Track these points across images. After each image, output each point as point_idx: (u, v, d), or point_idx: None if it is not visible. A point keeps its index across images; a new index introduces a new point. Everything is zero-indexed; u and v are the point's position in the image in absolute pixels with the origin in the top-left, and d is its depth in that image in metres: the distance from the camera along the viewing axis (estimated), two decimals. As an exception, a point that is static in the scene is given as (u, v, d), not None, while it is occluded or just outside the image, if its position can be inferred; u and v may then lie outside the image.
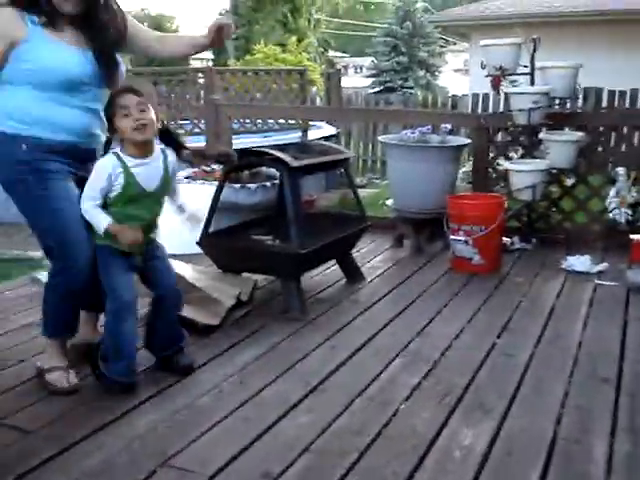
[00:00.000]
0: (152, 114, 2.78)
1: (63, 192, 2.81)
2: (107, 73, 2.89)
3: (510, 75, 5.08)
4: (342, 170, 4.54)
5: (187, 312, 3.53)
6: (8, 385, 2.99)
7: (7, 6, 2.74)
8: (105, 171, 2.75)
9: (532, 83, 5.13)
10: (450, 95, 14.77)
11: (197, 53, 3.26)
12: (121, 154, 2.78)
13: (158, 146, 2.90)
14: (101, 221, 2.77)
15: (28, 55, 2.72)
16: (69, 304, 2.97)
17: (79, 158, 2.88)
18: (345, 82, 13.74)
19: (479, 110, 11.71)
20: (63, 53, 2.77)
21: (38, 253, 6.61)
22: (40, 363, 3.05)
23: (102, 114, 2.90)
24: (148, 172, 2.83)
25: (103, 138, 2.93)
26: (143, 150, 2.81)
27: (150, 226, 2.95)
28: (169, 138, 2.96)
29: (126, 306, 2.86)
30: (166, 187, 2.93)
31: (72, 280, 2.87)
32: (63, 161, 2.83)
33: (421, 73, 24.31)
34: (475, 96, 11.83)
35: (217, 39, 2.98)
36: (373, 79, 25.41)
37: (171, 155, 2.94)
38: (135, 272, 2.96)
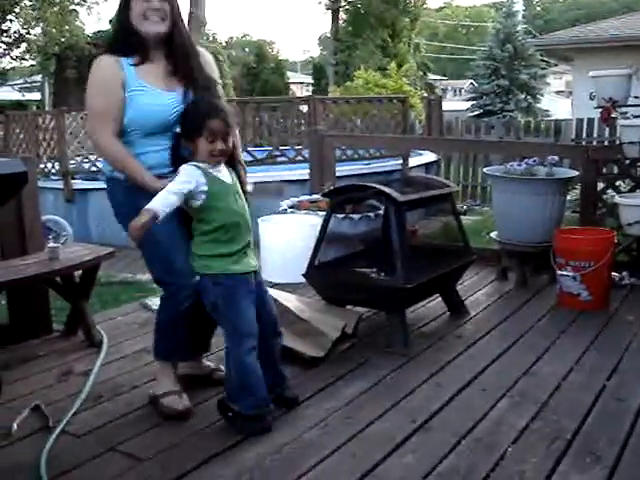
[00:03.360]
0: (231, 141, 2.89)
1: (164, 227, 2.90)
2: None
3: (620, 107, 4.97)
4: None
5: (293, 343, 3.60)
6: (121, 412, 3.12)
7: (104, 53, 2.96)
8: (191, 173, 2.78)
9: (644, 114, 4.99)
10: (553, 119, 14.53)
11: None
12: (199, 164, 2.82)
13: None
14: (157, 204, 2.68)
15: (129, 103, 2.93)
16: (179, 327, 3.09)
17: None
18: (444, 105, 13.68)
19: (583, 135, 11.47)
20: (160, 98, 2.97)
21: (145, 276, 6.89)
22: (153, 390, 3.18)
23: None
24: (222, 173, 2.89)
25: None
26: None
27: (248, 225, 2.95)
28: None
29: (249, 340, 2.88)
30: (238, 182, 2.97)
31: (180, 304, 3.00)
32: None
33: (522, 96, 23.97)
34: (579, 122, 11.60)
35: None
36: (472, 102, 25.21)
37: None
38: (253, 300, 2.95)
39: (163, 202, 2.70)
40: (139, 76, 2.95)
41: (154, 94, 2.96)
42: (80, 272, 4.03)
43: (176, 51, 3.03)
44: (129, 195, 2.97)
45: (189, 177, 2.77)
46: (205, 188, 2.78)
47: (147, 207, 2.66)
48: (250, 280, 2.95)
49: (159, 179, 2.91)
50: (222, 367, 3.37)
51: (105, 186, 3.17)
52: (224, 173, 2.90)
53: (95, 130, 2.99)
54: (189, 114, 2.89)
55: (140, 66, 2.97)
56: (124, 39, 2.98)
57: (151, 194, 2.81)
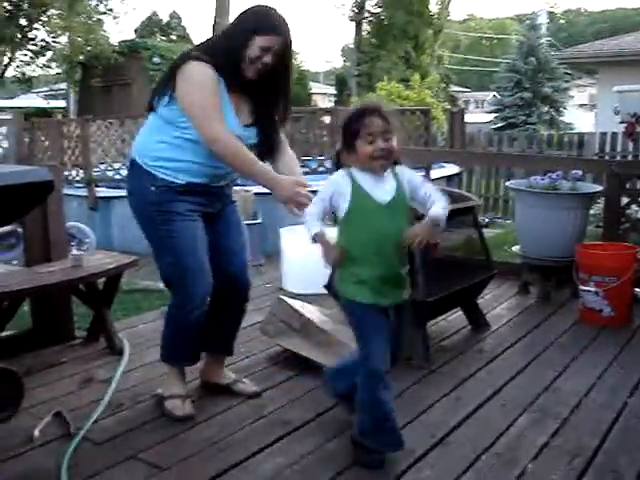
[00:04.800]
0: (395, 142, 2.60)
1: (187, 231, 2.98)
2: (267, 149, 3.12)
3: (645, 122, 4.96)
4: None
5: (315, 355, 3.60)
6: (142, 419, 3.14)
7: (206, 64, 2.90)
8: (334, 181, 2.61)
9: (669, 130, 4.97)
10: (576, 133, 14.44)
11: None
12: (353, 171, 2.60)
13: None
14: (311, 227, 2.56)
15: None
16: (186, 335, 3.15)
17: (207, 196, 3.08)
18: (466, 117, 13.65)
19: (607, 150, 11.40)
20: (237, 127, 2.97)
21: (167, 285, 6.90)
22: (161, 390, 3.26)
23: None
24: (378, 186, 2.61)
25: (234, 176, 3.15)
26: (377, 170, 2.63)
27: (397, 255, 2.67)
28: None
29: (377, 375, 2.65)
30: (401, 201, 2.65)
31: (188, 314, 3.06)
32: (191, 200, 3.01)
33: (545, 109, 23.82)
34: (603, 135, 11.52)
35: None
36: (495, 114, 25.11)
37: (408, 172, 2.70)
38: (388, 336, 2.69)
39: (312, 221, 2.59)
40: (227, 93, 2.95)
41: (234, 121, 2.97)
42: (103, 279, 4.06)
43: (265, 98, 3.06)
44: (167, 195, 2.97)
45: (330, 185, 2.62)
46: (350, 199, 2.59)
47: (315, 233, 2.54)
48: (384, 313, 2.68)
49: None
50: (244, 379, 3.42)
51: (132, 178, 3.09)
52: (383, 186, 2.62)
53: (211, 124, 2.86)
54: (345, 123, 2.64)
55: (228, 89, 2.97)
56: (229, 64, 2.90)
57: (183, 197, 2.95)
